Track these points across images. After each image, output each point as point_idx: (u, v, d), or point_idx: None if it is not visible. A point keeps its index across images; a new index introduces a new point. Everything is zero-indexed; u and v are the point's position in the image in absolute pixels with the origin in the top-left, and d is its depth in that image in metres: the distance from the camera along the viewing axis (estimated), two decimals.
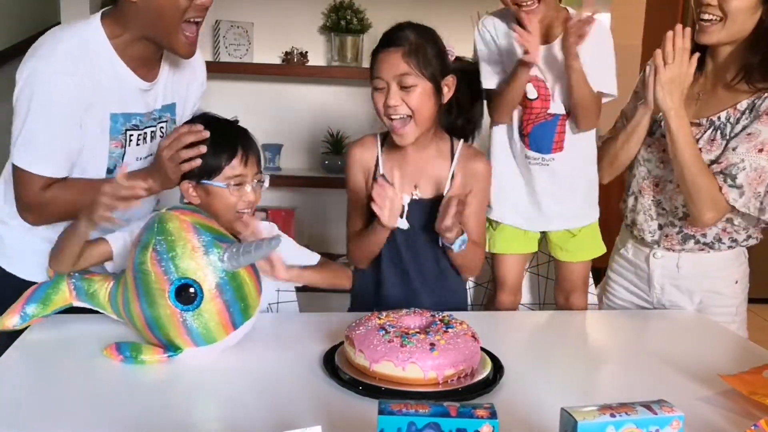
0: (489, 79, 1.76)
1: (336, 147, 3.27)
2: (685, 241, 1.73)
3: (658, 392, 1.03)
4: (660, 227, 1.76)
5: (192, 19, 1.50)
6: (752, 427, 0.97)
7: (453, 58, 1.65)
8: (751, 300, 1.83)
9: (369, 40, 3.22)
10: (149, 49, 1.55)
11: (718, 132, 1.64)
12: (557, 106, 1.73)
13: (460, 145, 1.69)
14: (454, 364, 1.21)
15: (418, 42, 1.55)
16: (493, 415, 0.89)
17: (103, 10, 1.56)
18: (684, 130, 1.58)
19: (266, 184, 1.59)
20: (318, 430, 0.84)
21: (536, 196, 1.79)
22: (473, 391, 1.20)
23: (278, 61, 3.30)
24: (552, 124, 1.74)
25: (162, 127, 1.68)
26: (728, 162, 1.59)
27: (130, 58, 1.54)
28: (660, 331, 1.68)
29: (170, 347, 1.30)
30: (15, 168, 1.50)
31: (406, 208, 1.58)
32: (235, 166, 1.51)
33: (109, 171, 1.58)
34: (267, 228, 1.66)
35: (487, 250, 1.84)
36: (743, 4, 1.57)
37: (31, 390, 1.18)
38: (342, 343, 1.32)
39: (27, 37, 4.11)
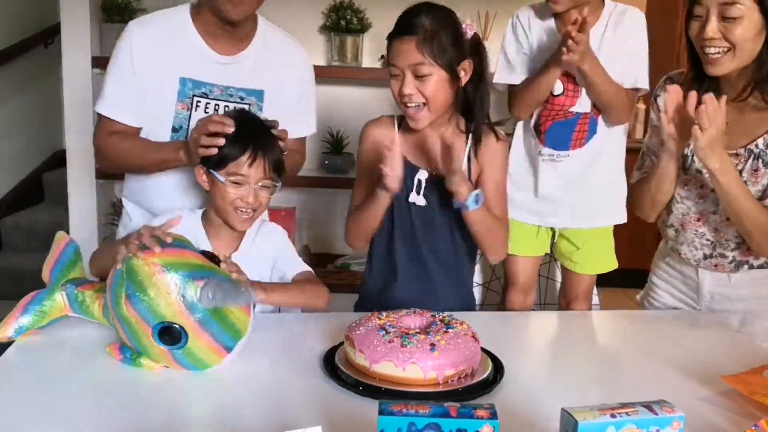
0: (511, 74, 1.74)
1: (336, 147, 3.26)
2: (738, 268, 1.66)
3: (659, 392, 1.03)
4: (705, 257, 1.69)
5: None
6: (753, 428, 0.97)
7: (471, 34, 1.60)
8: None
9: (369, 40, 3.22)
10: (219, 22, 1.66)
11: (760, 161, 1.57)
12: (583, 105, 1.71)
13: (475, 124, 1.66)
14: (455, 365, 1.21)
15: (433, 29, 1.52)
16: (493, 415, 0.89)
17: None
18: (735, 183, 1.51)
19: (273, 193, 1.57)
20: (318, 431, 0.84)
21: (541, 190, 1.79)
22: (473, 391, 1.20)
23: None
24: (572, 122, 1.72)
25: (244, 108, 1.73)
26: None
27: (207, 32, 1.70)
28: (660, 331, 1.68)
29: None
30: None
31: (423, 185, 1.59)
32: (239, 164, 1.51)
33: (175, 130, 1.72)
34: (272, 230, 1.66)
35: None
36: (748, 32, 1.49)
37: (30, 390, 1.18)
38: (342, 343, 1.32)
39: (27, 37, 4.13)
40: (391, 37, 1.56)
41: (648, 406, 0.92)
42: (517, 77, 1.74)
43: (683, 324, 1.72)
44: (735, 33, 1.48)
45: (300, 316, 1.64)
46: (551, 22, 1.74)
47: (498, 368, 1.28)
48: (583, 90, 1.71)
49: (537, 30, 1.74)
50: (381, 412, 0.89)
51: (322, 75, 3.20)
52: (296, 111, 1.81)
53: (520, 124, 1.83)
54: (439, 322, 1.29)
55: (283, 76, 1.77)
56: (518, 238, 1.83)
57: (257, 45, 1.74)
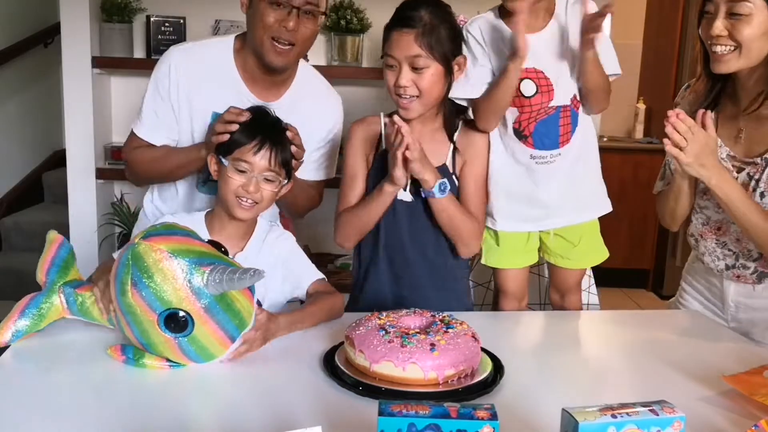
0: (475, 88, 1.69)
1: None
2: (761, 279, 1.63)
3: (659, 393, 1.03)
4: (728, 267, 1.66)
5: (278, 40, 1.63)
6: (753, 428, 0.97)
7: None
8: None
9: (369, 40, 3.22)
10: (260, 64, 1.69)
11: None
12: (560, 97, 1.68)
13: (460, 120, 1.72)
14: (455, 365, 1.21)
15: (432, 23, 1.55)
16: (493, 416, 0.89)
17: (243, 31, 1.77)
18: (734, 190, 1.49)
19: (278, 189, 1.57)
20: (318, 431, 0.83)
21: (542, 194, 1.75)
22: (473, 391, 1.20)
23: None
24: (555, 118, 1.70)
25: None
26: None
27: (246, 71, 1.73)
28: (660, 332, 1.68)
29: (171, 361, 1.29)
30: None
31: (409, 181, 1.60)
32: (244, 151, 1.52)
33: None
34: (281, 234, 1.65)
35: (484, 262, 1.84)
36: (756, 30, 1.47)
37: (28, 395, 1.18)
38: (342, 343, 1.32)
39: (27, 36, 4.13)
40: (390, 28, 1.59)
41: (649, 406, 0.92)
42: (477, 90, 1.69)
43: (683, 324, 1.72)
44: (742, 32, 1.47)
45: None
46: (502, 25, 1.69)
47: (498, 368, 1.28)
48: (557, 83, 1.68)
49: (492, 38, 1.70)
50: (381, 413, 0.89)
51: (322, 74, 3.22)
52: (319, 156, 1.85)
53: (496, 139, 1.75)
54: (439, 322, 1.29)
55: (312, 126, 1.77)
56: (507, 251, 1.81)
57: (294, 92, 1.77)
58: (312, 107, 1.78)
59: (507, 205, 1.77)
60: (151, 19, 3.08)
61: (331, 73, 3.23)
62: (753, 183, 1.57)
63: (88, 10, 2.97)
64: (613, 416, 0.89)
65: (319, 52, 3.29)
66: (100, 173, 3.08)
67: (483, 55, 1.70)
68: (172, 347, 1.26)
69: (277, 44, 1.64)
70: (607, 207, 1.83)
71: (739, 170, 1.59)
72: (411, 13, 1.56)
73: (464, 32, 1.70)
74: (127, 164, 1.84)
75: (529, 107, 1.69)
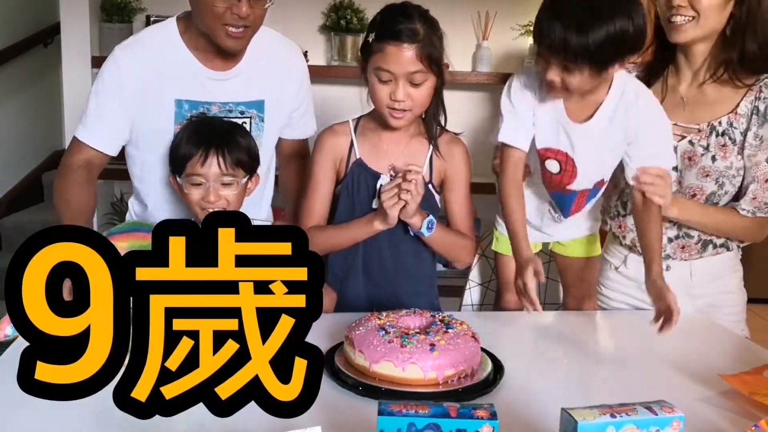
0: (518, 136, 1.61)
1: None
2: (704, 247, 1.69)
3: (659, 392, 1.03)
4: (670, 240, 1.71)
5: (231, 26, 1.54)
6: (753, 428, 0.97)
7: None
8: (751, 300, 1.83)
9: None
10: (210, 41, 1.60)
11: (727, 137, 1.62)
12: (581, 184, 1.64)
13: (438, 128, 1.64)
14: (454, 365, 1.21)
15: (428, 35, 1.49)
16: (493, 415, 0.89)
17: (181, 12, 1.70)
18: (698, 215, 1.64)
19: (241, 188, 1.55)
20: (318, 431, 0.83)
21: (547, 228, 1.79)
22: (473, 391, 1.20)
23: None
24: (570, 197, 1.68)
25: (244, 123, 1.70)
26: (765, 175, 1.60)
27: (199, 50, 1.65)
28: None
29: None
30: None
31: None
32: (193, 164, 1.52)
33: None
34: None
35: (493, 248, 1.84)
36: (714, 1, 1.54)
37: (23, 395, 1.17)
38: (342, 343, 1.32)
39: (27, 36, 4.13)
40: (382, 39, 1.49)
41: (648, 406, 0.92)
42: (524, 142, 1.60)
43: (683, 324, 1.71)
44: (702, 1, 1.54)
45: None
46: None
47: (498, 368, 1.28)
48: (584, 172, 1.62)
49: (528, 95, 1.61)
50: (380, 413, 0.89)
51: (322, 75, 3.23)
52: (297, 115, 1.82)
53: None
54: (438, 322, 1.29)
55: (281, 83, 1.75)
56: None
57: (252, 55, 1.69)
58: (276, 64, 1.73)
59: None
60: (151, 19, 3.09)
61: (331, 73, 3.25)
62: (699, 149, 1.63)
63: (88, 10, 2.98)
64: (612, 416, 0.89)
65: (319, 52, 3.30)
66: (100, 173, 3.08)
67: (530, 109, 1.60)
68: None
69: (231, 29, 1.55)
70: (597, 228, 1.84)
71: (681, 138, 1.65)
72: (407, 25, 1.48)
73: (523, 78, 1.60)
74: (60, 171, 1.77)
75: (549, 179, 1.67)
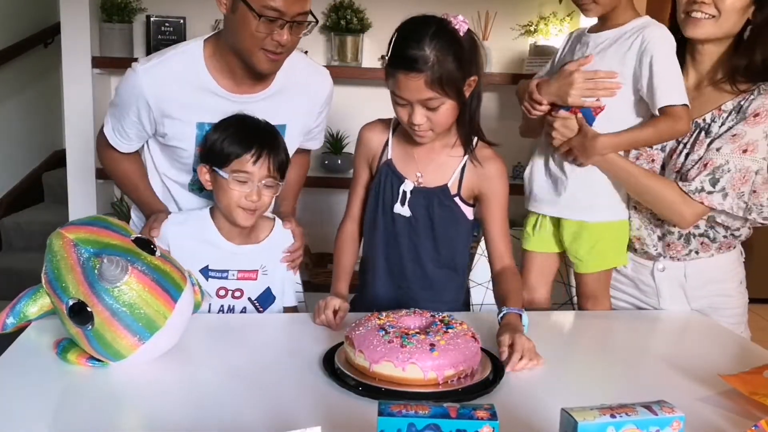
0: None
1: (335, 147, 3.26)
2: (688, 242, 1.71)
3: (659, 392, 1.03)
4: (659, 238, 1.73)
5: (270, 51, 1.55)
6: (753, 428, 0.97)
7: (465, 31, 1.47)
8: (751, 300, 1.83)
9: (369, 40, 3.22)
10: (240, 63, 1.61)
11: (703, 132, 1.63)
12: (596, 125, 1.67)
13: (475, 141, 1.60)
14: (454, 365, 1.21)
15: (440, 59, 1.42)
16: (493, 416, 0.89)
17: (211, 33, 1.70)
18: (618, 162, 1.65)
19: (277, 189, 1.62)
20: (318, 431, 0.84)
21: (554, 177, 1.77)
22: (473, 391, 1.20)
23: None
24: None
25: None
26: (712, 164, 1.58)
27: (225, 72, 1.65)
28: (660, 331, 1.68)
29: (94, 359, 1.27)
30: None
31: (408, 195, 1.59)
32: (243, 162, 1.54)
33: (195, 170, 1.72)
34: (283, 236, 1.71)
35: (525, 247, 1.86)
36: (738, 3, 1.56)
37: (29, 391, 1.18)
38: (342, 343, 1.32)
39: (27, 36, 4.13)
40: (393, 67, 1.46)
41: (648, 406, 0.92)
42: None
43: (683, 324, 1.72)
44: (726, 1, 1.56)
45: (300, 316, 1.63)
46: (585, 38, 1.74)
47: (498, 369, 1.28)
48: (599, 118, 1.68)
49: (570, 48, 1.77)
50: (380, 413, 0.89)
51: None
52: (312, 133, 1.87)
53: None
54: (438, 323, 1.29)
55: (305, 107, 1.77)
56: (541, 240, 1.84)
57: (280, 79, 1.70)
58: (302, 89, 1.74)
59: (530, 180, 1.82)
60: (151, 19, 3.09)
61: (331, 73, 3.24)
62: (680, 147, 1.66)
63: (88, 10, 2.98)
64: (612, 416, 0.89)
65: (319, 52, 3.30)
66: (100, 173, 3.09)
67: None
68: (82, 339, 1.24)
69: (269, 54, 1.56)
70: (612, 216, 1.77)
71: None
72: (415, 53, 1.41)
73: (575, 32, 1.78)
74: (98, 151, 1.86)
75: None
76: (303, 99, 1.76)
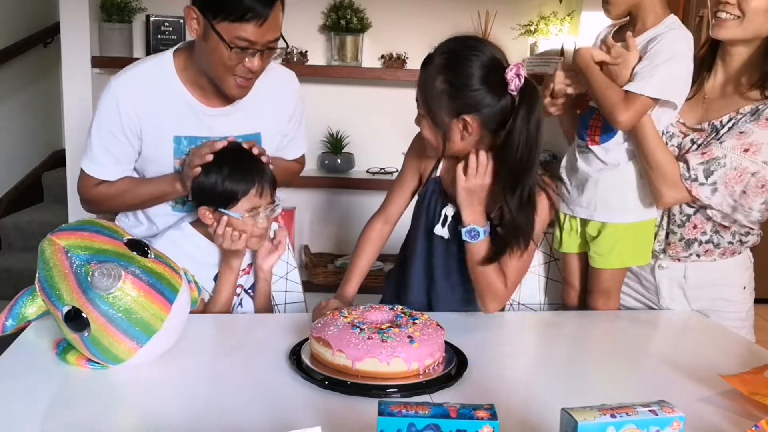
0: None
1: (335, 146, 3.26)
2: (689, 246, 1.70)
3: (659, 392, 1.03)
4: (664, 237, 1.72)
5: (241, 77, 1.57)
6: (753, 428, 0.97)
7: (515, 84, 1.44)
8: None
9: (369, 40, 3.22)
10: (211, 83, 1.62)
11: (716, 132, 1.62)
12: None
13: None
14: (432, 354, 1.24)
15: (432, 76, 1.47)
16: (493, 416, 0.89)
17: (180, 44, 1.70)
18: (649, 131, 1.60)
19: (278, 210, 1.65)
20: (317, 431, 0.83)
21: (578, 180, 1.76)
22: (451, 378, 1.24)
23: (278, 61, 3.29)
24: (587, 117, 1.71)
25: None
26: (710, 154, 1.57)
27: (196, 87, 1.65)
28: (660, 331, 1.68)
29: (93, 361, 1.27)
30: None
31: (449, 218, 1.58)
32: (251, 198, 1.59)
33: None
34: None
35: (557, 248, 1.86)
36: (762, 5, 1.54)
37: (28, 392, 1.18)
38: (304, 341, 1.33)
39: (27, 36, 4.13)
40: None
41: (648, 406, 0.92)
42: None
43: (683, 324, 1.72)
44: (750, 2, 1.54)
45: (300, 317, 1.63)
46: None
47: (457, 352, 1.32)
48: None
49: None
50: (381, 413, 0.89)
51: (322, 75, 3.23)
52: (291, 138, 1.86)
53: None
54: (402, 315, 1.31)
55: (277, 111, 1.77)
56: (568, 241, 1.83)
57: (251, 91, 1.67)
58: (271, 94, 1.74)
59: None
60: (151, 19, 3.09)
61: (331, 73, 3.25)
62: (693, 147, 1.64)
63: (88, 10, 2.98)
64: (612, 416, 0.89)
65: (319, 51, 3.30)
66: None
67: None
68: (80, 344, 1.24)
69: (239, 80, 1.57)
70: (631, 218, 1.73)
71: (685, 135, 1.66)
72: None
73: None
74: (86, 200, 1.76)
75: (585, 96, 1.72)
76: (272, 106, 1.75)
